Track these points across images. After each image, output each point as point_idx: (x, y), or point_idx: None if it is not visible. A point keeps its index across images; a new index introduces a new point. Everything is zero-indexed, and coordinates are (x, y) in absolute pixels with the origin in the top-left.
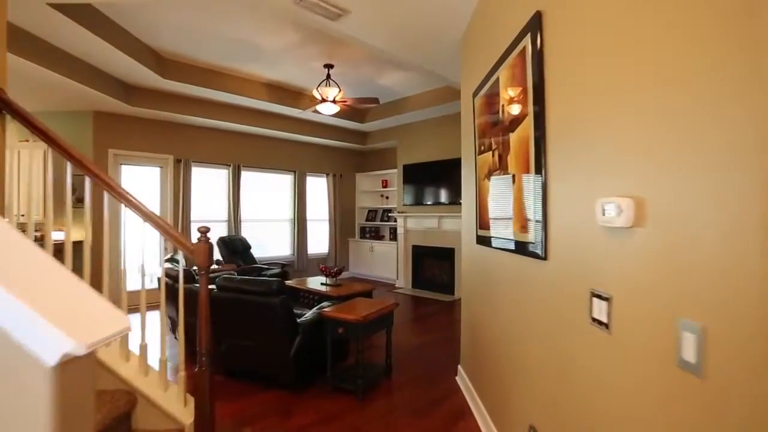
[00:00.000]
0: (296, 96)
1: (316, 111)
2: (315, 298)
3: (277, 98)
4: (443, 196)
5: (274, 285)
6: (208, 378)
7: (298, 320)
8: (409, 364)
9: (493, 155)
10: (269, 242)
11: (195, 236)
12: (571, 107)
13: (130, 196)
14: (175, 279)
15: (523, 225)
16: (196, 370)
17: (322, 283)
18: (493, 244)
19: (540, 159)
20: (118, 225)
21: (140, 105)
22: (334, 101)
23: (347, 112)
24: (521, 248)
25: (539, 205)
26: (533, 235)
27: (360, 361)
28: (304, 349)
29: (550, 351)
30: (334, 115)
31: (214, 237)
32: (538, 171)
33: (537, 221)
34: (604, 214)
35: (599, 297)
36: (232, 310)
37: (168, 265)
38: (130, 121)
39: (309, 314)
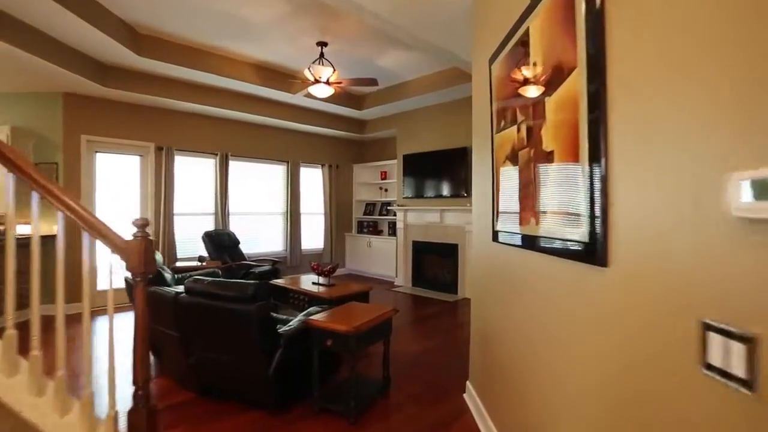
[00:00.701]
0: (287, 79)
1: (308, 95)
2: (305, 299)
3: (266, 81)
4: (446, 188)
5: (249, 289)
6: (145, 419)
7: (281, 330)
8: (409, 377)
9: (518, 130)
10: (260, 237)
11: (178, 233)
12: (658, 31)
13: (44, 181)
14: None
15: (564, 218)
16: (130, 408)
17: (314, 283)
18: (515, 242)
19: (597, 126)
20: (93, 205)
21: (116, 86)
22: (327, 82)
23: (343, 98)
24: (560, 249)
25: (596, 191)
26: (582, 232)
27: (352, 377)
28: (287, 363)
29: (603, 393)
30: (330, 101)
31: (199, 231)
32: (593, 144)
33: (590, 214)
34: (743, 199)
35: (726, 334)
36: (200, 318)
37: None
38: (106, 104)
39: (293, 322)
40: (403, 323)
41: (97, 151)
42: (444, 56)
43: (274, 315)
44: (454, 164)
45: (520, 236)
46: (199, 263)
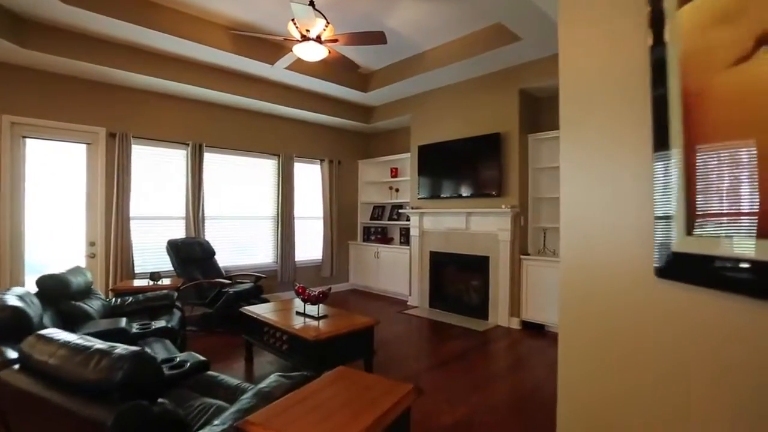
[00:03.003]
0: (271, 48)
1: (294, 67)
2: (282, 337)
3: (242, 48)
4: (473, 186)
5: (117, 373)
6: None
7: None
8: None
9: None
10: (244, 246)
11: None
12: None
13: None
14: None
15: None
16: None
17: (298, 313)
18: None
19: None
20: (19, 206)
21: (39, 48)
22: (319, 39)
23: (344, 75)
24: None
25: None
26: None
27: None
28: None
29: None
30: (327, 78)
31: (162, 238)
32: None
33: None
34: None
35: None
36: (29, 423)
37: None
38: (38, 77)
39: None
40: (423, 367)
41: (25, 137)
42: (476, 15)
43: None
44: (484, 155)
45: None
46: (151, 282)
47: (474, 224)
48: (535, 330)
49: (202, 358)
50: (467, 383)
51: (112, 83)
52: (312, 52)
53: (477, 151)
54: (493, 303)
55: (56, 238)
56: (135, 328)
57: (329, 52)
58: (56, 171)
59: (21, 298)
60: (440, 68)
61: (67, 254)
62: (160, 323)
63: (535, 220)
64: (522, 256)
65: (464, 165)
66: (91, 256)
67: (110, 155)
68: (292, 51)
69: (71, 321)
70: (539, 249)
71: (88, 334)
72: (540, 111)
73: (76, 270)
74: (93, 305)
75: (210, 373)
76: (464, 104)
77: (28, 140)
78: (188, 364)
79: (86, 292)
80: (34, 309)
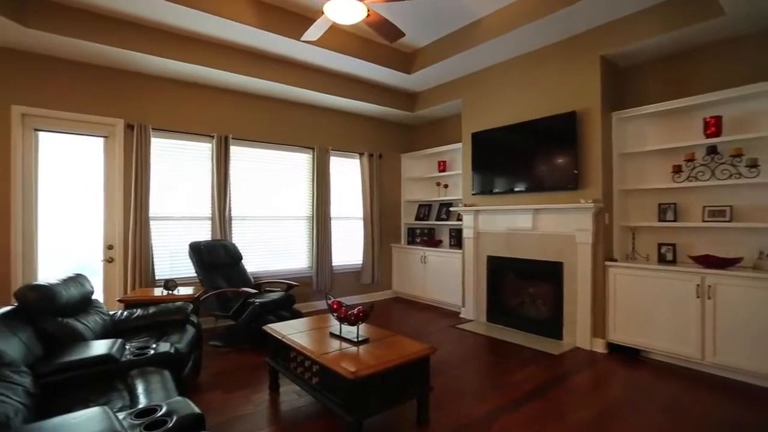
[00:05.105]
0: (300, 21)
1: (324, 44)
2: (312, 367)
3: (271, 23)
4: (541, 178)
5: None
6: None
7: None
8: None
9: None
10: (275, 250)
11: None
12: None
13: None
14: None
15: None
16: None
17: (333, 335)
18: None
19: None
20: (31, 206)
21: (44, 27)
22: None
23: (384, 52)
24: None
25: None
26: None
27: None
28: None
29: None
30: (367, 57)
31: (185, 241)
32: None
33: None
34: None
35: None
36: None
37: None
38: (50, 64)
39: None
40: (490, 408)
41: (37, 129)
42: None
43: None
44: (556, 140)
45: None
46: (165, 291)
47: (543, 224)
48: (628, 355)
49: (195, 410)
50: None
51: (127, 69)
52: (347, 11)
53: (546, 136)
54: (569, 319)
55: (72, 242)
56: (129, 352)
57: (368, 12)
58: (72, 167)
59: None
60: (500, 36)
61: (84, 259)
62: (165, 346)
63: (622, 217)
64: (607, 263)
65: (529, 153)
66: (109, 260)
67: (128, 149)
68: (323, 14)
69: (54, 342)
70: (627, 253)
71: (66, 363)
72: (625, 83)
73: (74, 279)
74: (89, 321)
75: None
76: (528, 81)
77: (40, 133)
78: (173, 421)
79: (82, 306)
80: None
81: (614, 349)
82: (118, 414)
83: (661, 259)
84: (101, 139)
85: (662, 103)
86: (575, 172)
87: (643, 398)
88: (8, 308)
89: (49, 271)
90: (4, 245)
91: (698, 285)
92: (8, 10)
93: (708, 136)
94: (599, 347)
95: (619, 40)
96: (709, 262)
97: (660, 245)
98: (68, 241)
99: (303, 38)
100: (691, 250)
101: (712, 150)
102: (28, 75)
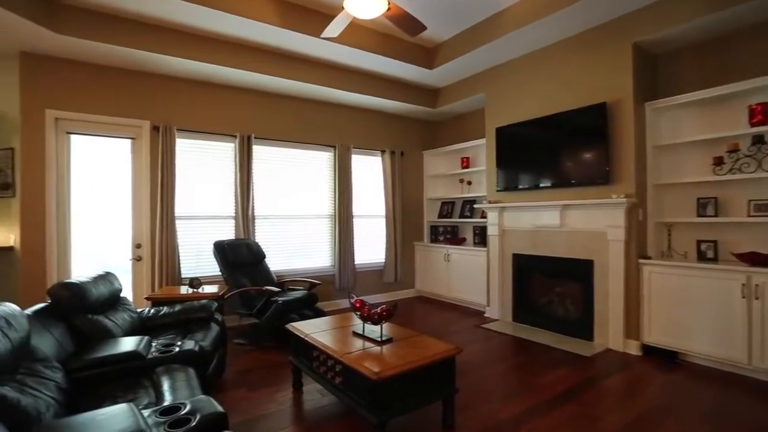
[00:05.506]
0: (321, 19)
1: (344, 39)
2: (336, 367)
3: (292, 22)
4: (570, 173)
5: None
6: None
7: None
8: None
9: None
10: (298, 249)
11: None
12: None
13: None
14: None
15: None
16: None
17: (356, 333)
18: None
19: None
20: (65, 207)
21: (74, 33)
22: None
23: (405, 47)
24: None
25: None
26: None
27: None
28: None
29: None
30: (387, 52)
31: (209, 239)
32: None
33: None
34: None
35: None
36: None
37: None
38: (80, 69)
39: None
40: (519, 411)
41: (69, 132)
42: None
43: None
44: (585, 132)
45: None
46: (191, 289)
47: (572, 220)
48: (664, 358)
49: (218, 408)
50: None
51: (152, 71)
52: (368, 5)
53: (574, 129)
54: (600, 320)
55: (103, 241)
56: (155, 349)
57: (389, 6)
58: (101, 168)
59: None
60: (525, 26)
61: (114, 258)
62: (190, 343)
63: (657, 213)
64: (641, 260)
65: (556, 147)
66: (137, 259)
67: (154, 150)
68: (344, 9)
69: (85, 339)
70: (662, 251)
71: (95, 359)
72: (658, 71)
73: (103, 277)
74: (118, 319)
75: None
76: (554, 72)
77: (72, 136)
78: (196, 420)
79: (111, 304)
80: (12, 332)
81: (649, 351)
82: (143, 411)
83: (701, 257)
84: (128, 141)
85: (703, 90)
86: (606, 167)
87: (682, 404)
88: (42, 305)
89: (81, 270)
90: (40, 245)
91: (744, 284)
92: (43, 18)
93: (753, 125)
94: (633, 349)
95: (651, 27)
96: (755, 259)
97: (699, 242)
98: (99, 241)
99: (323, 35)
100: (734, 247)
101: (759, 140)
102: (59, 80)
